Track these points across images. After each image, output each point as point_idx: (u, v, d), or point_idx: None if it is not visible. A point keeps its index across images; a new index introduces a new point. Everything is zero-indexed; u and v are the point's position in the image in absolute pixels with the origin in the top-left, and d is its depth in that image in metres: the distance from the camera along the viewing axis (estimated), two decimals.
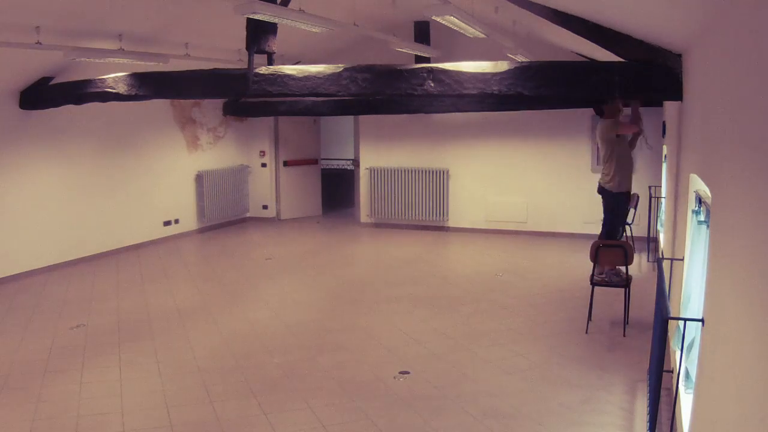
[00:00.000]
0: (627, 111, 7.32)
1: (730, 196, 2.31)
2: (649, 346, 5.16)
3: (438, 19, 5.66)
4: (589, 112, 9.96)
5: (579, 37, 5.54)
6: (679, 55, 4.59)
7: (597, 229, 7.95)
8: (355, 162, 12.34)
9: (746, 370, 1.87)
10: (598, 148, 7.53)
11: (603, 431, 4.23)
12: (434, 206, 11.28)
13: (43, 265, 8.48)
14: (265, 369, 5.29)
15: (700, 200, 3.53)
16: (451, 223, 11.31)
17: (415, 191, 11.36)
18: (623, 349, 5.61)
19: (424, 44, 9.59)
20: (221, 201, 11.61)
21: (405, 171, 11.44)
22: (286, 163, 12.38)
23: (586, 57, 8.44)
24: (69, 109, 8.26)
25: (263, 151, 12.35)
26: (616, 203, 7.07)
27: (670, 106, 6.64)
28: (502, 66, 5.46)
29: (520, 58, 8.13)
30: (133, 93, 7.00)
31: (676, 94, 4.74)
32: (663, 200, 8.32)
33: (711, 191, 2.82)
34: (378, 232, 11.26)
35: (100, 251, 9.33)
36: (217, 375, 5.17)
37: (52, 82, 8.03)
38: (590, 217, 9.80)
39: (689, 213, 3.92)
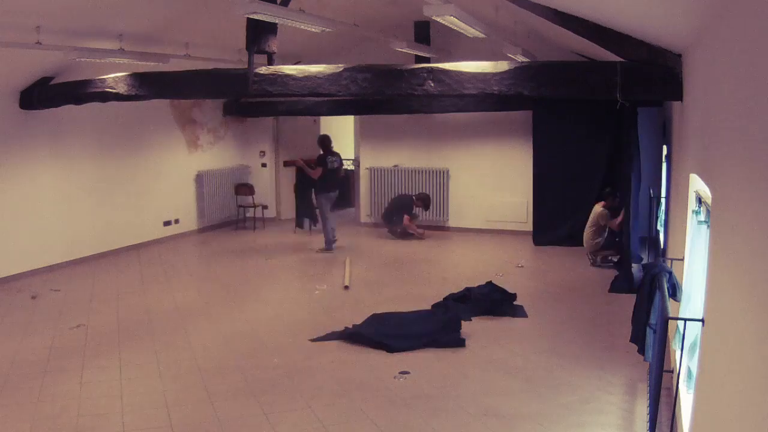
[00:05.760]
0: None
1: (730, 196, 2.31)
2: None
3: (438, 19, 5.65)
4: None
5: (579, 37, 5.54)
6: (679, 55, 4.59)
7: None
8: (356, 162, 12.33)
9: (747, 370, 1.87)
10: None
11: (603, 431, 4.23)
12: (434, 206, 11.26)
13: (43, 265, 8.48)
14: (265, 369, 5.29)
15: (700, 200, 3.53)
16: (451, 223, 11.30)
17: (415, 191, 11.35)
18: (623, 349, 5.60)
19: (424, 44, 9.58)
20: (221, 201, 11.61)
21: (405, 171, 11.43)
22: (286, 163, 12.36)
23: (586, 57, 8.43)
24: (69, 109, 8.26)
25: (263, 151, 12.34)
26: None
27: (670, 106, 6.64)
28: (502, 66, 5.46)
29: (520, 58, 8.13)
30: (133, 93, 7.00)
31: (676, 94, 4.74)
32: (663, 200, 8.32)
33: (711, 191, 2.82)
34: (378, 232, 11.25)
35: (100, 251, 9.33)
36: (217, 375, 5.16)
37: (52, 82, 8.03)
38: None
39: (689, 213, 3.92)
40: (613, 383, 4.92)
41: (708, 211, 3.11)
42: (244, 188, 11.80)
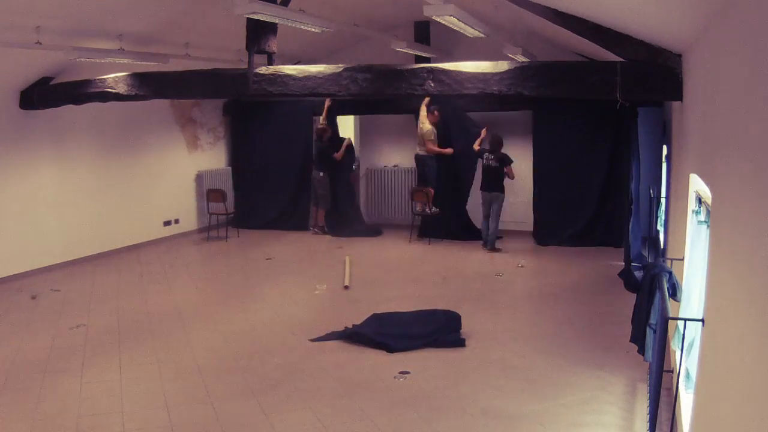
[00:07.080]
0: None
1: (730, 196, 2.31)
2: None
3: (438, 19, 5.65)
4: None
5: (579, 37, 5.55)
6: (679, 55, 4.60)
7: None
8: (356, 162, 12.31)
9: (746, 369, 1.87)
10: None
11: (603, 431, 4.24)
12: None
13: (44, 265, 8.48)
14: (265, 369, 5.29)
15: (700, 200, 3.53)
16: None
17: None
18: (623, 349, 5.60)
19: (424, 44, 9.58)
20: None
21: (405, 171, 11.42)
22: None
23: (586, 57, 8.44)
24: (69, 109, 8.26)
25: None
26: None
27: (670, 106, 6.64)
28: (502, 66, 5.46)
29: (520, 58, 8.13)
30: (133, 93, 7.01)
31: (676, 94, 4.74)
32: (663, 200, 8.32)
33: (711, 191, 2.82)
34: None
35: (100, 251, 9.33)
36: (217, 375, 5.16)
37: (52, 82, 8.03)
38: None
39: (689, 213, 3.92)
40: (613, 383, 4.92)
41: (708, 211, 3.11)
42: (216, 194, 10.54)
